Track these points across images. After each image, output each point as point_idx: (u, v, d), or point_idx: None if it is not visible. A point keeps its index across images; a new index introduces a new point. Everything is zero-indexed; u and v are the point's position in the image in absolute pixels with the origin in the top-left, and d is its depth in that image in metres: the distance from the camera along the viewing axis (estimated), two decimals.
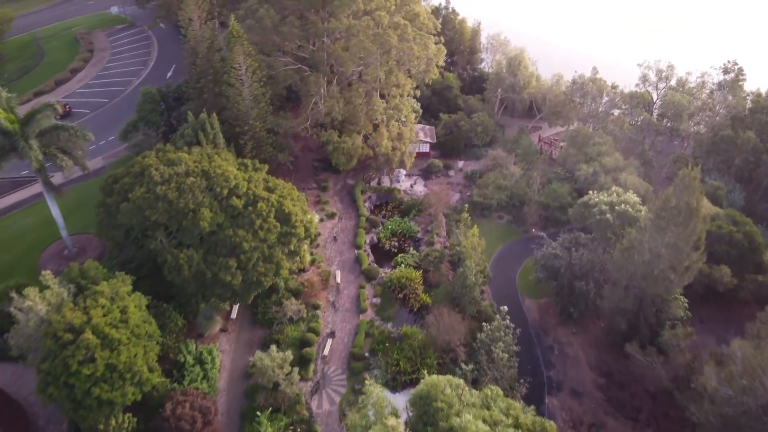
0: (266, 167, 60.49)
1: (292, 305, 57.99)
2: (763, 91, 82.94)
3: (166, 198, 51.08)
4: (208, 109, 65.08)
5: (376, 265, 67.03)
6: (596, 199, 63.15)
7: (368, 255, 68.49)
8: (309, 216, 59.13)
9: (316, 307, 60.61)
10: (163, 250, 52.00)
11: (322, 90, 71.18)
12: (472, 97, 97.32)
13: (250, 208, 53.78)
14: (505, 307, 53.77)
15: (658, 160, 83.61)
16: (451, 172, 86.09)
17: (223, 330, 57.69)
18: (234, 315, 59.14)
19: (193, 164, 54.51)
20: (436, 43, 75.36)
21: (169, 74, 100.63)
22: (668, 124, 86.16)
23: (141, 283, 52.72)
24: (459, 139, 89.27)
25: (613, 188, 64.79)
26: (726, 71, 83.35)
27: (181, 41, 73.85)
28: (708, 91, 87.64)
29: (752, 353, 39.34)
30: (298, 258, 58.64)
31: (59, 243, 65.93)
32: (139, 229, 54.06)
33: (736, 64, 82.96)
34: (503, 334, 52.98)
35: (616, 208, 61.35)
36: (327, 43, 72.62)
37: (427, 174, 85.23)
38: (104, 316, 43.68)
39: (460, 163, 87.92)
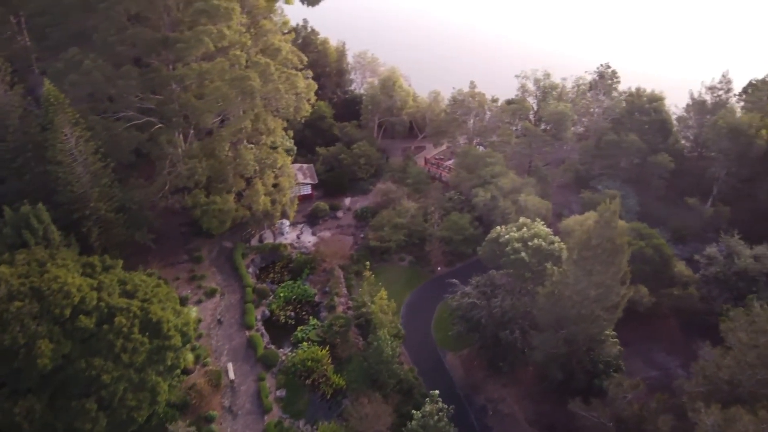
0: (120, 262, 48.50)
1: (179, 430, 46.75)
2: (634, 89, 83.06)
3: None
4: (32, 194, 51.20)
5: (273, 347, 57.22)
6: (506, 236, 57.95)
7: (263, 335, 58.36)
8: (185, 314, 48.23)
9: (209, 419, 49.75)
10: None
11: (180, 149, 59.84)
12: (348, 125, 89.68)
13: (105, 326, 42.03)
14: (436, 391, 46.42)
15: (549, 170, 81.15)
16: (340, 213, 77.80)
17: None
18: None
19: (18, 281, 41.51)
20: (305, 78, 66.50)
21: None
22: (551, 130, 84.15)
23: None
24: (342, 174, 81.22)
25: (521, 220, 60.07)
26: (601, 75, 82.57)
27: None
28: (582, 93, 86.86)
29: (724, 418, 35.03)
30: (178, 371, 47.50)
31: None
32: None
33: (608, 66, 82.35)
34: (437, 419, 45.81)
35: (529, 243, 56.57)
36: (177, 91, 61.10)
37: (313, 219, 76.24)
38: None
39: (347, 201, 79.94)
